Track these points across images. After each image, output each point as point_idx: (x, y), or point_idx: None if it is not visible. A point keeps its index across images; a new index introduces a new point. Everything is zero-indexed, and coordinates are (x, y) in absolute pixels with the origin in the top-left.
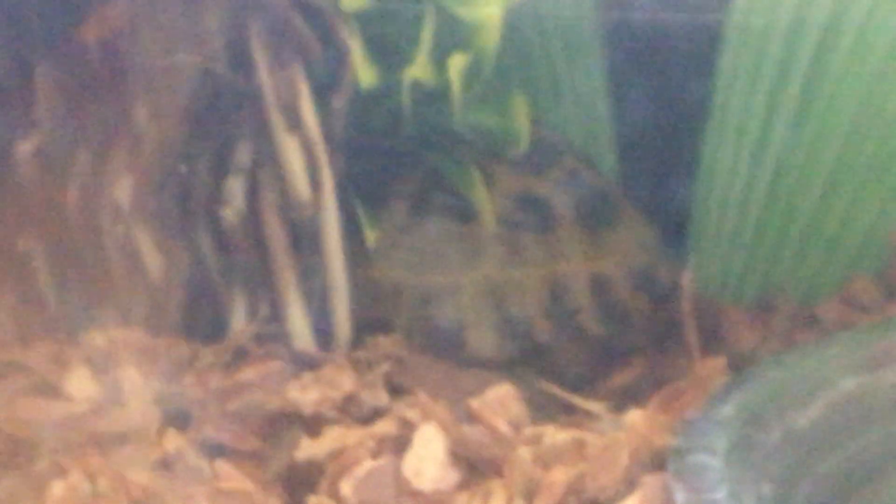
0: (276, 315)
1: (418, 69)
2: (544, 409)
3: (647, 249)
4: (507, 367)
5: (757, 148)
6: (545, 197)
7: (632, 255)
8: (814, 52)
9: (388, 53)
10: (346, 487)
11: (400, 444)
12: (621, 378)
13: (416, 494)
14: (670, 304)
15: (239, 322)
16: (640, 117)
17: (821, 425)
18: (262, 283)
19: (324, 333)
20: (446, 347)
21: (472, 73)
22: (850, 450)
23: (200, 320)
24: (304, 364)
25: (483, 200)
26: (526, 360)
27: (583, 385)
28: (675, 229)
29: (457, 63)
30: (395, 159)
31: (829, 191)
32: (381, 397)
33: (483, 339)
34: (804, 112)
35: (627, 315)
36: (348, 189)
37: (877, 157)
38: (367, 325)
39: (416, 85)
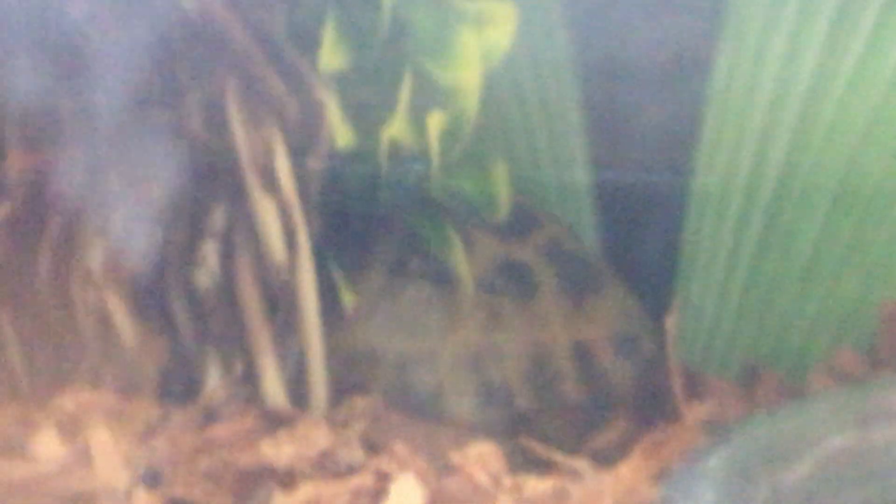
0: (251, 378)
1: (396, 129)
2: (525, 467)
3: (629, 317)
4: (488, 432)
5: (740, 218)
6: (526, 263)
7: (614, 323)
8: (794, 126)
9: (366, 116)
10: None
11: (376, 496)
12: (604, 439)
13: None
14: (654, 372)
15: (213, 385)
16: (621, 187)
17: (809, 482)
18: (237, 347)
19: (299, 397)
20: (425, 413)
21: (451, 137)
22: None
23: (174, 384)
24: (278, 422)
25: (462, 265)
26: (506, 426)
27: (564, 448)
28: (657, 300)
29: (435, 122)
30: (373, 223)
31: (813, 263)
32: (357, 454)
33: (462, 405)
34: (787, 184)
35: (610, 383)
36: (325, 253)
37: (860, 228)
38: (344, 389)
39: (394, 147)
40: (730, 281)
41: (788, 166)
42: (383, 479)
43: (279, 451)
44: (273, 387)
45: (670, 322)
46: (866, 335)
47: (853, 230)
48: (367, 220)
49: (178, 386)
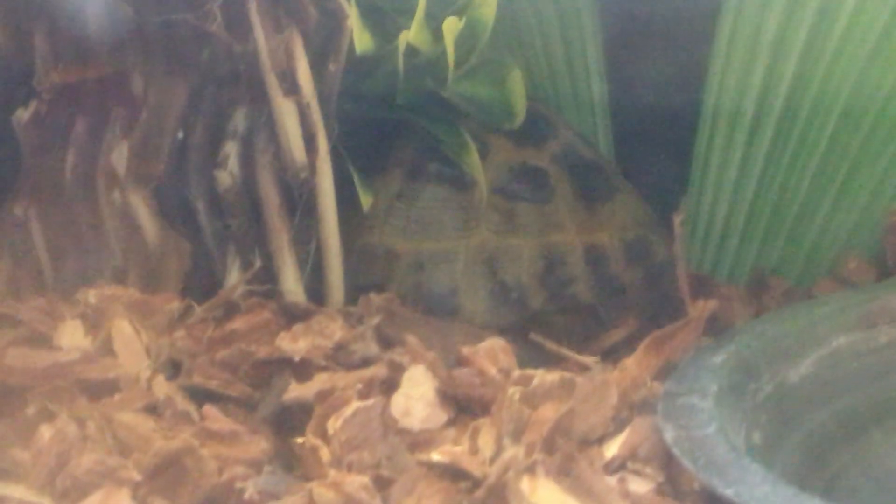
0: (271, 277)
1: (413, 35)
2: (535, 363)
3: (642, 224)
4: (500, 331)
5: (752, 128)
6: (542, 168)
7: (627, 229)
8: (809, 31)
9: (384, 22)
10: (333, 427)
11: (389, 385)
12: (612, 338)
13: (403, 433)
14: (664, 277)
15: (233, 281)
16: (635, 95)
17: (812, 380)
18: (257, 245)
19: (317, 294)
20: (440, 313)
21: (468, 44)
22: (839, 406)
23: (196, 282)
24: (295, 316)
25: (476, 168)
26: (519, 326)
27: (574, 346)
28: (669, 210)
29: (451, 26)
30: (392, 127)
31: (822, 172)
32: (372, 347)
33: (477, 306)
34: (798, 93)
35: (621, 287)
36: (344, 155)
37: (870, 139)
38: (361, 290)
39: (412, 53)
40: (740, 191)
41: (799, 81)
42: (396, 370)
43: (295, 343)
44: (292, 284)
45: (677, 220)
46: (873, 244)
47: (861, 143)
48: (386, 125)
49: (200, 282)
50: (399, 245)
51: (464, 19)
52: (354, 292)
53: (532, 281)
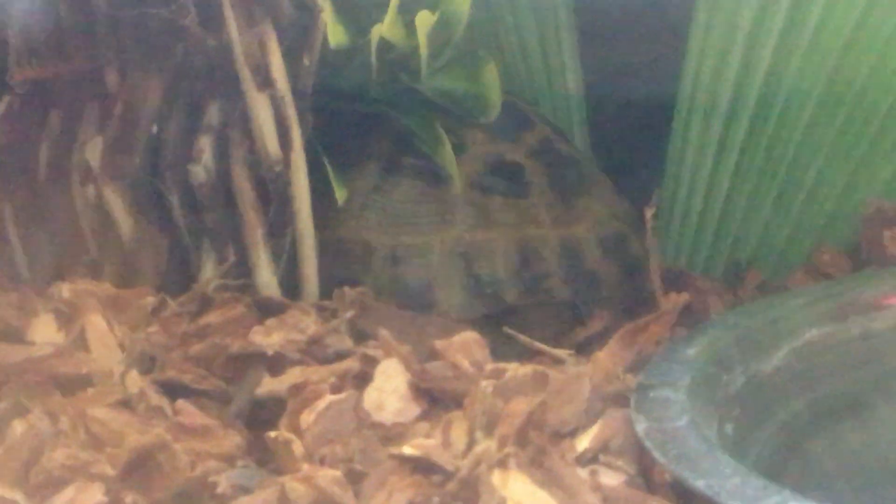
0: (246, 271)
1: (387, 29)
2: (508, 356)
3: (618, 218)
4: (475, 325)
5: (727, 120)
6: (518, 163)
7: (602, 223)
8: (783, 23)
9: (358, 16)
10: (306, 420)
11: (362, 379)
12: (586, 332)
13: (376, 426)
14: (640, 272)
15: (208, 276)
16: (610, 87)
17: (784, 372)
18: (232, 239)
19: (292, 288)
20: (415, 307)
21: (442, 38)
22: (811, 397)
23: (171, 277)
24: (269, 310)
25: (451, 162)
26: (493, 320)
27: (548, 341)
28: (644, 203)
29: (424, 20)
30: (367, 121)
31: (797, 163)
32: (346, 342)
33: (451, 299)
34: (773, 85)
35: (596, 281)
36: (318, 149)
37: (845, 130)
38: (337, 283)
39: (386, 47)
40: (715, 183)
41: (774, 72)
42: (369, 364)
43: (269, 337)
44: (267, 278)
45: (649, 213)
46: (848, 236)
47: (836, 134)
48: (361, 119)
49: (175, 277)
50: (374, 239)
51: (437, 13)
52: (329, 286)
53: (507, 275)
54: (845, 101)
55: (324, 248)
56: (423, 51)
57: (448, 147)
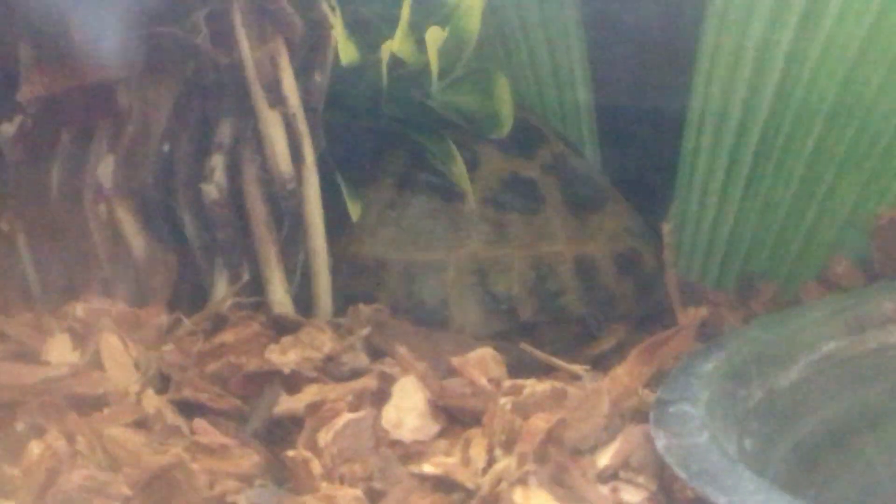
0: (259, 289)
1: (397, 45)
2: (525, 373)
3: (632, 235)
4: (490, 341)
5: (738, 134)
6: (532, 179)
7: (617, 239)
8: (793, 38)
9: (369, 32)
10: (323, 439)
11: (380, 397)
12: (602, 347)
13: (394, 444)
14: (654, 287)
15: (221, 295)
16: (621, 102)
17: (802, 386)
18: (245, 257)
19: (306, 306)
20: (430, 324)
21: (453, 54)
22: (829, 411)
23: (184, 296)
24: (284, 328)
25: (463, 178)
26: (508, 337)
27: (562, 358)
28: (656, 217)
29: (434, 37)
30: (380, 138)
31: (809, 176)
32: (362, 359)
33: (467, 316)
34: (784, 98)
35: (611, 298)
36: (332, 165)
37: (856, 142)
38: (351, 300)
39: (397, 64)
40: (727, 195)
41: (785, 84)
42: (387, 382)
43: (284, 356)
44: (280, 295)
45: (666, 228)
46: (860, 247)
47: (848, 146)
48: (375, 136)
49: (188, 295)
50: (389, 255)
51: (448, 29)
52: (344, 303)
53: (522, 292)
54: (856, 114)
55: (338, 266)
56: (434, 67)
57: (460, 163)
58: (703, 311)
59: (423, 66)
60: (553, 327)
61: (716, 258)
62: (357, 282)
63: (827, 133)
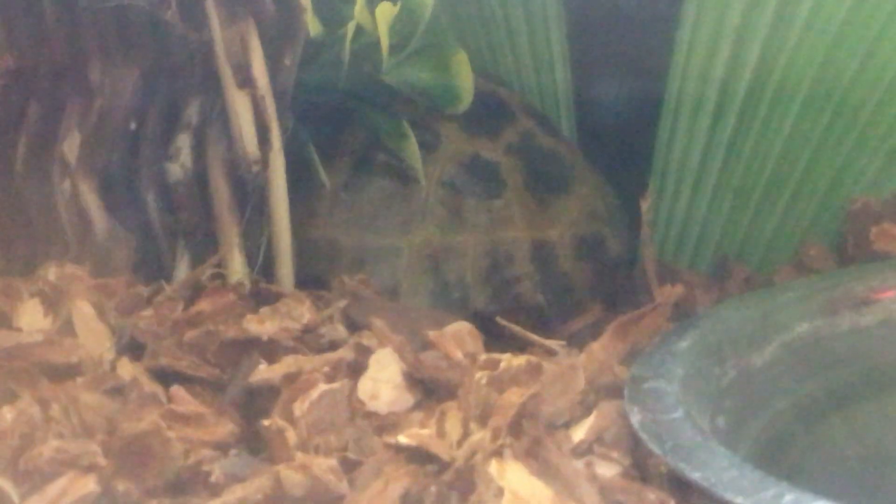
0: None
1: (357, 14)
2: (500, 349)
3: (597, 218)
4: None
5: (714, 116)
6: (494, 162)
7: (579, 224)
8: (771, 21)
9: (330, 10)
10: (299, 409)
11: (356, 369)
12: (576, 325)
13: (370, 416)
14: (617, 274)
15: (182, 274)
16: (598, 82)
17: (775, 366)
18: (207, 238)
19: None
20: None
21: (407, 29)
22: (801, 392)
23: (143, 275)
24: (263, 300)
25: (416, 159)
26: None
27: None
28: (631, 197)
29: (384, 12)
30: (339, 116)
31: (784, 159)
32: (340, 331)
33: (417, 303)
34: (760, 81)
35: (569, 285)
36: (305, 137)
37: (830, 128)
38: (304, 283)
39: (356, 36)
40: (702, 178)
41: (762, 68)
42: (363, 354)
43: (262, 325)
44: (239, 277)
45: (644, 204)
46: (833, 232)
47: (823, 130)
48: (332, 113)
49: (148, 275)
50: (342, 239)
51: (399, 4)
52: (300, 286)
53: (476, 280)
54: (833, 98)
55: (297, 248)
56: (385, 42)
57: (413, 143)
58: (679, 289)
59: (376, 41)
60: (507, 316)
61: (690, 240)
62: (311, 265)
63: (803, 117)
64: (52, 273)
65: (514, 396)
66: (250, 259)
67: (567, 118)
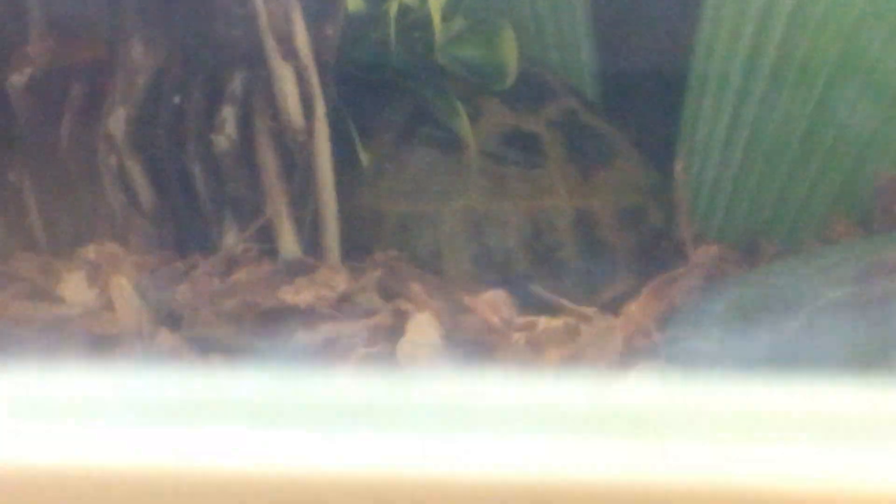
0: (268, 238)
1: None
2: (536, 314)
3: (639, 191)
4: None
5: (739, 94)
6: (535, 133)
7: (621, 195)
8: (793, 3)
9: None
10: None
11: (394, 333)
12: (611, 293)
13: None
14: (659, 246)
15: (231, 244)
16: (624, 61)
17: (809, 331)
18: (254, 208)
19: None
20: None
21: (453, 4)
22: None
23: (193, 247)
24: (298, 270)
25: (465, 131)
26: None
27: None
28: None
29: None
30: (384, 90)
31: (809, 137)
32: (375, 300)
33: (459, 269)
34: (785, 60)
35: (611, 253)
36: (346, 115)
37: (856, 103)
38: (348, 252)
39: (403, 14)
40: (728, 154)
41: (787, 43)
42: (401, 318)
43: (299, 295)
44: (291, 246)
45: (678, 166)
46: (861, 207)
47: (849, 106)
48: (378, 88)
49: (197, 248)
50: (386, 207)
51: None
52: (347, 253)
53: (517, 245)
54: (860, 72)
55: (342, 217)
56: (436, 21)
57: (464, 117)
58: (714, 249)
59: (427, 17)
60: (548, 282)
61: (716, 217)
62: (355, 234)
63: (827, 93)
64: (91, 251)
65: (553, 357)
66: (298, 229)
67: (593, 93)
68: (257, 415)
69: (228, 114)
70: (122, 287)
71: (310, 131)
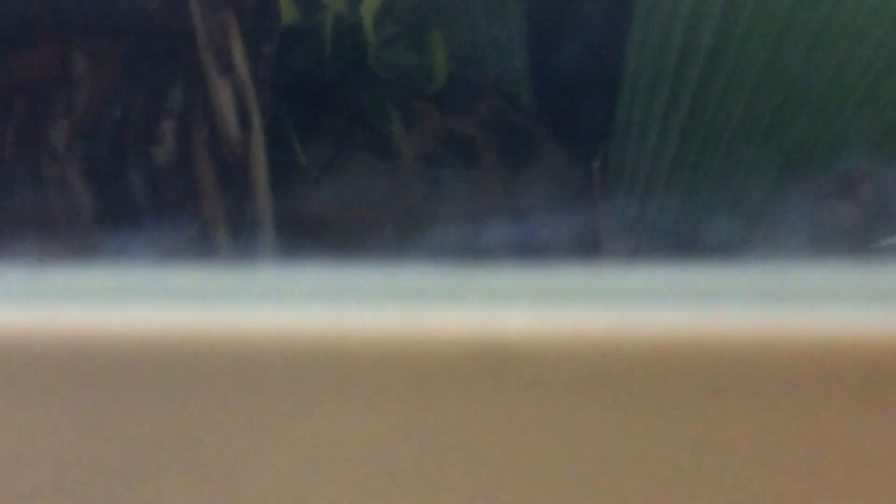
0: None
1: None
2: None
3: (567, 187)
4: None
5: (669, 99)
6: (469, 135)
7: (552, 192)
8: (721, 11)
9: None
10: None
11: None
12: None
13: None
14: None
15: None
16: (559, 68)
17: None
18: (192, 218)
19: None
20: None
21: (384, 11)
22: None
23: (133, 254)
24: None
25: (400, 137)
26: None
27: None
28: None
29: (369, 6)
30: (320, 98)
31: (736, 143)
32: None
33: None
34: (713, 68)
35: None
36: (285, 120)
37: (781, 111)
38: (292, 256)
39: (336, 22)
40: (658, 160)
41: (715, 51)
42: None
43: None
44: (224, 252)
45: (594, 164)
46: None
47: (774, 113)
48: (314, 96)
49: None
50: (326, 213)
51: None
52: (285, 260)
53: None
54: (783, 81)
55: (280, 222)
56: (368, 29)
57: (398, 122)
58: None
59: (357, 22)
60: None
61: (649, 214)
62: (296, 239)
63: (754, 100)
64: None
65: None
66: (236, 235)
67: (525, 97)
68: None
69: (167, 127)
70: None
71: (246, 144)
